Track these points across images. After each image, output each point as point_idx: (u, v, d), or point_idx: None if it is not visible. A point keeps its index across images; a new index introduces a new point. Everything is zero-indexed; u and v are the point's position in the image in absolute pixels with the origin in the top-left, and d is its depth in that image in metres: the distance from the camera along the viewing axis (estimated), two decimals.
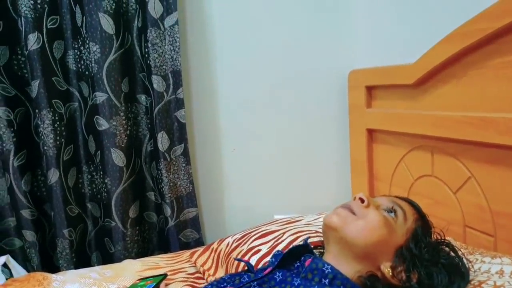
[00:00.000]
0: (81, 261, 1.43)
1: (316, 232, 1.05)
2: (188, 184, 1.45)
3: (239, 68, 1.49)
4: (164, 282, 1.07)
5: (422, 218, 0.80)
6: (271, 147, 1.53)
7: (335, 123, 1.53)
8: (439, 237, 0.81)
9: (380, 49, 1.39)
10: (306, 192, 1.55)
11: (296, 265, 0.78)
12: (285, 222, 1.15)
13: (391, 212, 0.76)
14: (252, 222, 1.52)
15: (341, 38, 1.51)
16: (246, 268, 0.85)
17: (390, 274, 0.73)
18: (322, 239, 1.00)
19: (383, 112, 1.30)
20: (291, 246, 0.83)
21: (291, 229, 1.08)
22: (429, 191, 1.14)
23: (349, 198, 1.52)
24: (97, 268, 1.25)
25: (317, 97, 1.52)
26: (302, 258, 0.78)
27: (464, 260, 0.77)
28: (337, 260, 0.75)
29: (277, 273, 0.74)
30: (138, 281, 1.09)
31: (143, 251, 1.48)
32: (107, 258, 1.43)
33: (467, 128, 0.97)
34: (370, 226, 0.73)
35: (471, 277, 0.77)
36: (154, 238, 1.51)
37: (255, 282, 0.73)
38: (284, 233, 1.07)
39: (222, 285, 0.79)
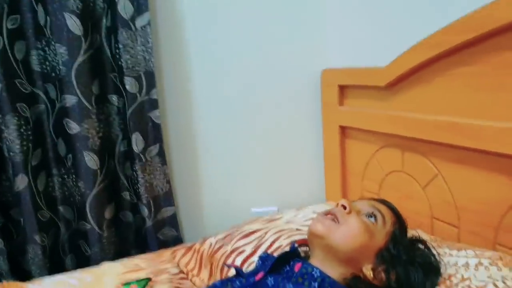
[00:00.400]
0: (55, 265, 1.41)
1: (297, 230, 1.10)
2: (165, 184, 1.45)
3: (212, 67, 1.49)
4: (149, 285, 1.09)
5: (399, 220, 0.87)
6: (247, 144, 1.55)
7: (309, 120, 1.57)
8: (414, 235, 0.88)
9: (352, 49, 1.43)
10: (281, 186, 1.59)
11: (285, 270, 0.82)
12: (266, 221, 1.19)
13: (371, 217, 0.82)
14: (229, 216, 1.56)
15: (314, 38, 1.54)
16: (230, 272, 0.88)
17: (371, 275, 0.79)
18: (304, 237, 1.06)
19: (355, 110, 1.36)
20: (280, 252, 0.86)
21: (273, 228, 1.12)
22: (399, 185, 1.22)
23: (323, 191, 1.59)
24: (75, 273, 1.23)
25: (292, 94, 1.55)
26: (291, 262, 0.82)
27: (437, 257, 0.84)
28: (322, 264, 0.80)
29: (269, 277, 0.78)
30: (121, 286, 1.10)
31: (120, 252, 1.47)
32: (83, 261, 1.43)
33: (436, 130, 1.05)
34: (352, 232, 0.79)
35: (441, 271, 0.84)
36: (131, 238, 1.51)
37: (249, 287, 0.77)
38: (266, 232, 1.11)
39: None
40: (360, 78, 1.30)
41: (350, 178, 1.46)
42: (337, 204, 0.84)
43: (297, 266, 0.80)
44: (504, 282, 0.74)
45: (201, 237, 1.37)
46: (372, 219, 0.82)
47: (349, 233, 0.79)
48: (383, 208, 0.86)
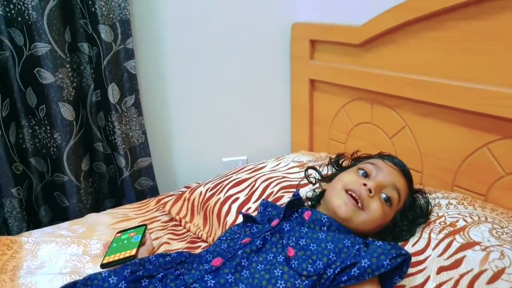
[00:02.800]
0: (30, 217, 1.40)
1: (284, 177, 1.20)
2: (141, 135, 1.46)
3: (185, 18, 1.47)
4: (147, 232, 1.14)
5: (411, 190, 0.93)
6: (218, 94, 1.59)
7: (278, 72, 1.63)
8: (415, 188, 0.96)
9: (323, 5, 1.49)
10: (251, 137, 1.68)
11: (295, 216, 0.91)
12: (252, 170, 1.27)
13: (388, 201, 0.87)
14: (201, 167, 1.63)
15: None
16: (229, 216, 0.96)
17: None
18: (291, 183, 1.17)
19: (326, 65, 1.44)
20: (287, 200, 0.94)
21: (261, 176, 1.21)
22: (367, 135, 1.36)
23: (289, 141, 1.70)
24: (64, 225, 1.25)
25: (262, 46, 1.59)
26: (300, 210, 0.92)
27: (430, 205, 0.95)
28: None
29: (284, 223, 0.88)
30: (119, 235, 1.13)
31: (96, 202, 1.50)
32: (60, 212, 1.43)
33: (406, 87, 1.18)
34: (371, 219, 0.85)
35: None
36: (105, 189, 1.53)
37: (268, 232, 0.86)
38: (255, 180, 1.20)
39: (235, 236, 0.91)
40: (334, 34, 1.38)
41: (317, 128, 1.58)
42: (364, 184, 0.86)
43: (307, 214, 0.89)
44: (471, 218, 0.92)
45: (184, 186, 1.43)
46: (389, 203, 0.86)
47: (368, 219, 0.85)
48: (401, 184, 0.89)
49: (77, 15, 1.33)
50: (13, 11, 1.24)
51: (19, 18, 1.25)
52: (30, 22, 1.24)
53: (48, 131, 1.35)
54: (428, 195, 0.99)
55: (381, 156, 0.96)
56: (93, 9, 1.29)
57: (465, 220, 0.91)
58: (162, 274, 0.82)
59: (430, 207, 0.95)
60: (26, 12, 1.23)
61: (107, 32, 1.32)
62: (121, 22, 1.33)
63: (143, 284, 0.80)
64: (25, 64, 1.29)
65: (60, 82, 1.30)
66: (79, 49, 1.37)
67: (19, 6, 1.24)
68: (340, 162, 1.06)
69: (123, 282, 0.80)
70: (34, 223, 1.41)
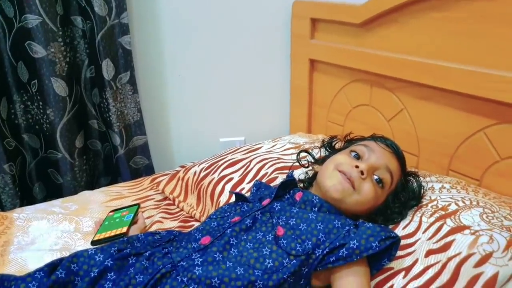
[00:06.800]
0: (23, 193, 1.39)
1: (279, 158, 1.19)
2: (136, 113, 1.44)
3: None
4: (139, 211, 1.14)
5: (403, 172, 0.92)
6: (216, 73, 1.56)
7: (278, 51, 1.59)
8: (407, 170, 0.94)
9: None
10: (249, 117, 1.65)
11: (286, 197, 0.90)
12: (247, 151, 1.25)
13: (380, 182, 0.86)
14: (198, 146, 1.61)
15: None
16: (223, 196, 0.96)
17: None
18: (285, 164, 1.16)
19: (326, 45, 1.41)
20: (281, 181, 0.93)
21: (256, 157, 1.20)
22: (365, 117, 1.34)
23: (288, 122, 1.67)
24: (57, 202, 1.24)
25: (262, 24, 1.55)
26: (292, 191, 0.91)
27: (422, 188, 0.93)
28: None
29: (275, 203, 0.87)
30: (111, 213, 1.13)
31: (91, 180, 1.49)
32: (54, 189, 1.42)
33: (405, 69, 1.15)
34: (363, 200, 0.84)
35: None
36: (100, 166, 1.51)
37: (259, 211, 0.85)
38: (250, 161, 1.18)
39: (225, 214, 0.90)
40: (335, 13, 1.34)
41: (316, 110, 1.55)
42: (357, 166, 0.84)
43: (298, 195, 0.88)
44: (463, 202, 0.90)
45: (179, 166, 1.42)
46: (381, 185, 0.86)
47: (360, 201, 0.84)
48: (394, 166, 0.88)
49: None
50: None
51: None
52: None
53: (40, 106, 1.33)
54: (422, 178, 0.97)
55: (374, 138, 0.94)
56: None
57: (457, 204, 0.89)
58: (149, 252, 0.81)
59: (422, 190, 0.94)
60: None
61: (101, 6, 1.28)
62: None
63: (130, 261, 0.80)
64: (15, 36, 1.26)
65: (52, 56, 1.27)
66: (72, 23, 1.34)
67: None
68: (333, 144, 1.05)
69: (110, 259, 0.79)
70: (28, 199, 1.41)
